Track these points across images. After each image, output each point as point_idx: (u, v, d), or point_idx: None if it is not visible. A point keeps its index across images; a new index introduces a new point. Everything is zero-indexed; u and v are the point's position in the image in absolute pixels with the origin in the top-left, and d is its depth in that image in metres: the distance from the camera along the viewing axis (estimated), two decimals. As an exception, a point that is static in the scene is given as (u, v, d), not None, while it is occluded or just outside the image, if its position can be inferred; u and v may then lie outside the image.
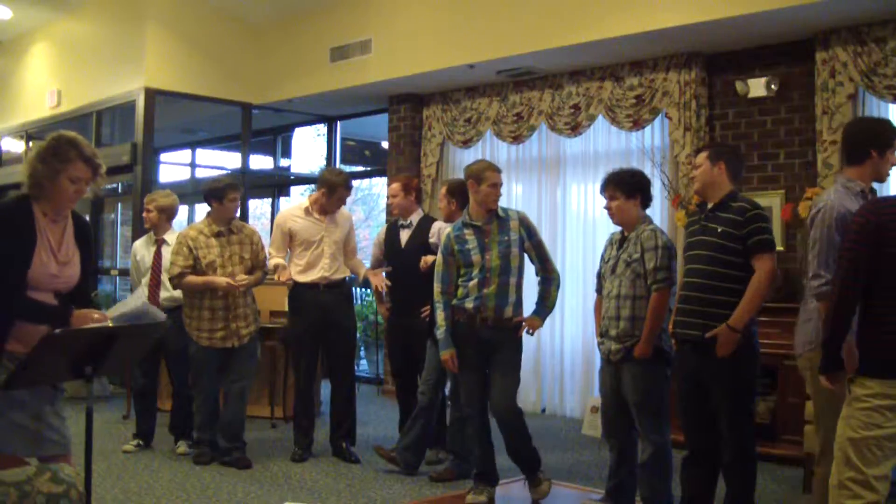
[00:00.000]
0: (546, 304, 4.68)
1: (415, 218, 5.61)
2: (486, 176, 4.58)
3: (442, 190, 5.40)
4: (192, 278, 5.34)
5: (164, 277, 5.77)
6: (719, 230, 3.85)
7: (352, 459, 5.53)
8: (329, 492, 4.88)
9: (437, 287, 4.64)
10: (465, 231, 4.63)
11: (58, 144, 3.14)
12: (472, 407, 4.65)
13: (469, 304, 4.54)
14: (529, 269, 4.75)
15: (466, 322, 4.56)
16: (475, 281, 4.53)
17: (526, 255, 4.66)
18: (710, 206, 3.94)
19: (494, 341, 4.54)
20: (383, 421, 6.95)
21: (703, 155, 4.00)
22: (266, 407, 6.86)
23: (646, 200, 4.32)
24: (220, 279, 5.33)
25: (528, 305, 4.69)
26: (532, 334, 4.72)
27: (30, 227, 3.10)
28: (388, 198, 5.75)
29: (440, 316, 4.59)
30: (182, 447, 5.75)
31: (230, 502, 4.65)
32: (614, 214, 4.31)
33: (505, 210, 4.66)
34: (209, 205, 5.48)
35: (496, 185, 4.60)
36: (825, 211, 3.53)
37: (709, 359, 3.81)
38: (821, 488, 3.62)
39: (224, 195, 5.40)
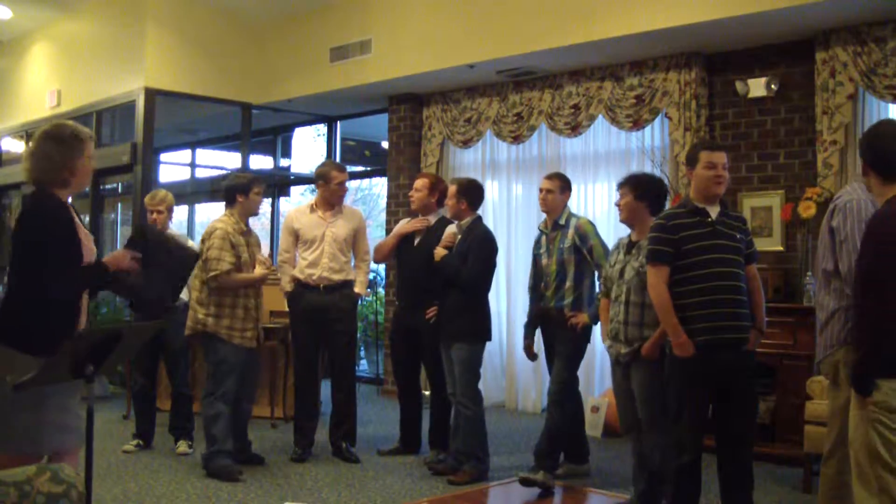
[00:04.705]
0: (593, 304, 4.93)
1: (432, 218, 5.62)
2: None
3: (451, 188, 5.33)
4: (238, 275, 5.16)
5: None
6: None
7: (352, 459, 5.53)
8: (329, 492, 4.88)
9: (529, 282, 5.28)
10: (542, 237, 5.16)
11: (67, 128, 3.29)
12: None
13: (541, 305, 5.08)
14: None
15: (542, 321, 5.12)
16: (542, 284, 5.07)
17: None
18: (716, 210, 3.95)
19: (557, 336, 5.00)
20: (383, 421, 6.94)
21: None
22: (266, 407, 6.85)
23: (654, 208, 4.35)
24: (259, 271, 5.26)
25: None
26: (577, 328, 4.92)
27: (72, 216, 3.26)
28: (412, 190, 5.72)
29: (530, 309, 5.22)
30: (182, 447, 5.75)
31: (230, 502, 4.65)
32: (622, 211, 4.44)
33: (568, 218, 5.04)
34: (233, 201, 5.28)
35: (541, 190, 5.09)
36: (852, 208, 3.53)
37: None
38: (829, 488, 3.63)
39: (250, 189, 5.27)
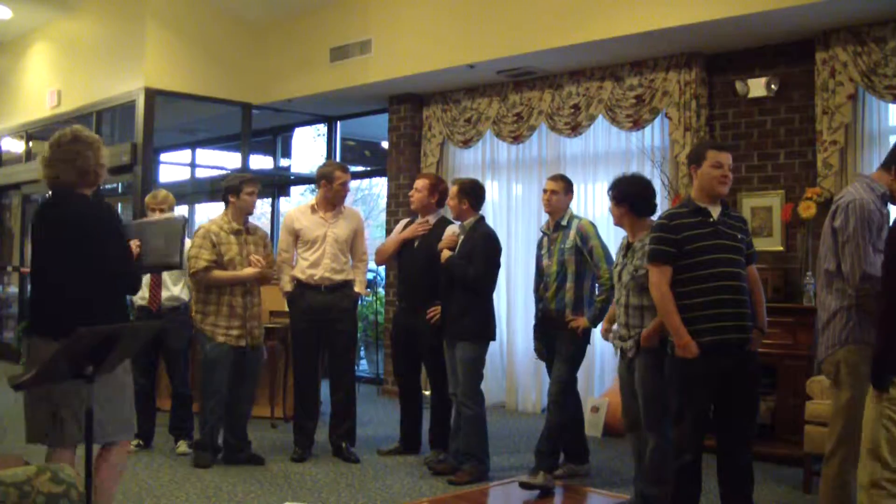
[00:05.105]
0: (592, 307, 4.98)
1: (432, 219, 5.62)
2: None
3: (453, 189, 5.34)
4: (218, 273, 5.26)
5: (165, 276, 5.76)
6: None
7: (352, 459, 5.53)
8: (329, 492, 4.88)
9: (534, 285, 5.28)
10: (543, 238, 5.17)
11: (85, 131, 3.49)
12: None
13: (541, 306, 5.12)
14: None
15: (543, 322, 5.13)
16: (543, 285, 5.09)
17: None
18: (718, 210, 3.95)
19: (558, 337, 5.01)
20: (383, 421, 6.94)
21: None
22: (266, 407, 6.85)
23: (638, 209, 4.36)
24: (248, 270, 5.31)
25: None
26: (578, 332, 4.96)
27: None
28: (412, 190, 5.73)
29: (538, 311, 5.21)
30: (182, 447, 5.75)
31: (230, 502, 4.65)
32: (612, 216, 4.51)
33: (570, 219, 5.07)
34: (226, 201, 5.43)
35: (545, 191, 5.11)
36: (855, 208, 3.53)
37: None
38: (830, 487, 3.64)
39: (241, 189, 5.37)
